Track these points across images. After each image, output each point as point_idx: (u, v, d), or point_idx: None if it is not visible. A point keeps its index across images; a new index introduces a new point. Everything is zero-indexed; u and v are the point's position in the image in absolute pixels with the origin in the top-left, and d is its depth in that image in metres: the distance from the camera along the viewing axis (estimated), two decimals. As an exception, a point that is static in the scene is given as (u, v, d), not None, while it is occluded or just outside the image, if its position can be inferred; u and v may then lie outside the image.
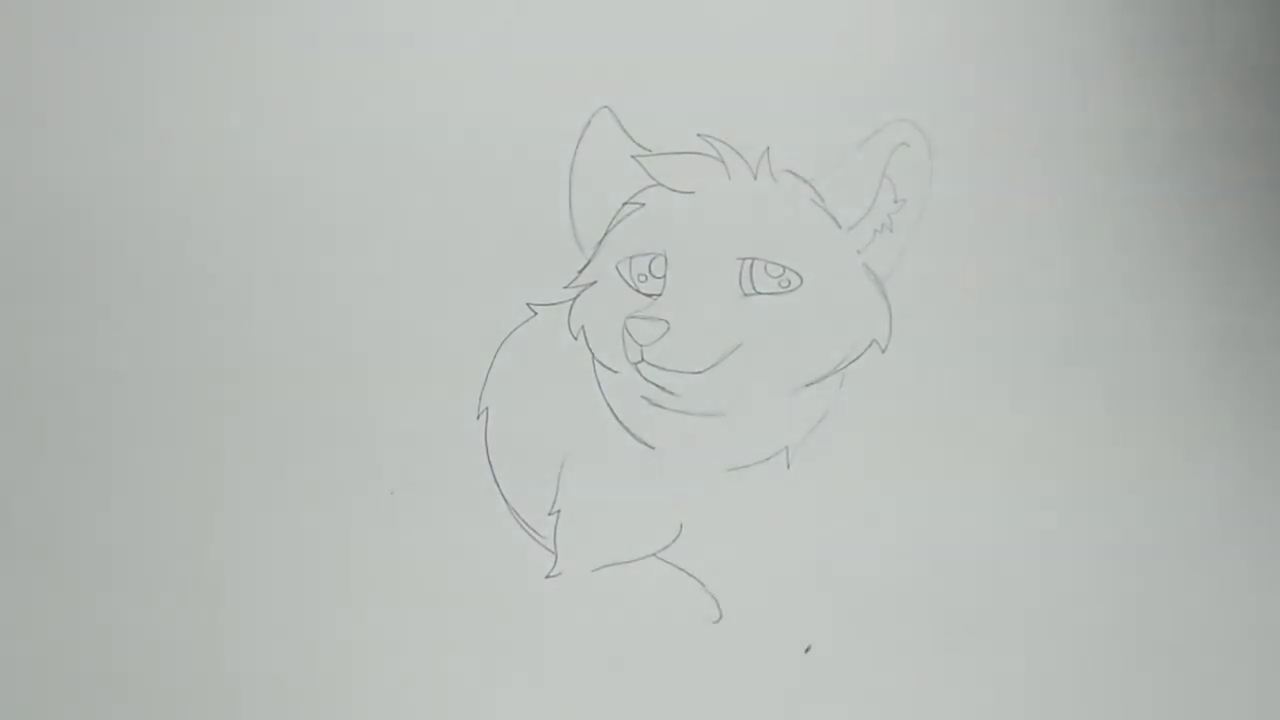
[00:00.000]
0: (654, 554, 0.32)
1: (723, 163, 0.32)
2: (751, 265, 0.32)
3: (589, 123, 0.32)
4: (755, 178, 0.32)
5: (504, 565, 0.32)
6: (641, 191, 0.32)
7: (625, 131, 0.32)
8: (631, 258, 0.32)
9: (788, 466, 0.32)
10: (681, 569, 0.32)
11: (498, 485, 0.32)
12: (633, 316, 0.32)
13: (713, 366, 0.32)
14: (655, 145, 0.32)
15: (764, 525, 0.32)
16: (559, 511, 0.32)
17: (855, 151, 0.33)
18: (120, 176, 0.32)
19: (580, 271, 0.32)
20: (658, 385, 0.32)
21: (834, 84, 0.33)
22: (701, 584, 0.32)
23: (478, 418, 0.32)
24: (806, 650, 0.32)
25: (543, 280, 0.32)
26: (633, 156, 0.32)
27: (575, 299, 0.32)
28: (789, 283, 0.32)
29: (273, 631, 0.32)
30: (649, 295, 0.32)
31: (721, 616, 0.32)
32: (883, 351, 0.33)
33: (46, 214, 0.32)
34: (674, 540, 0.32)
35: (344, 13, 0.32)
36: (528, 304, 0.32)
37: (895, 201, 0.33)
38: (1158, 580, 0.32)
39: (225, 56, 0.32)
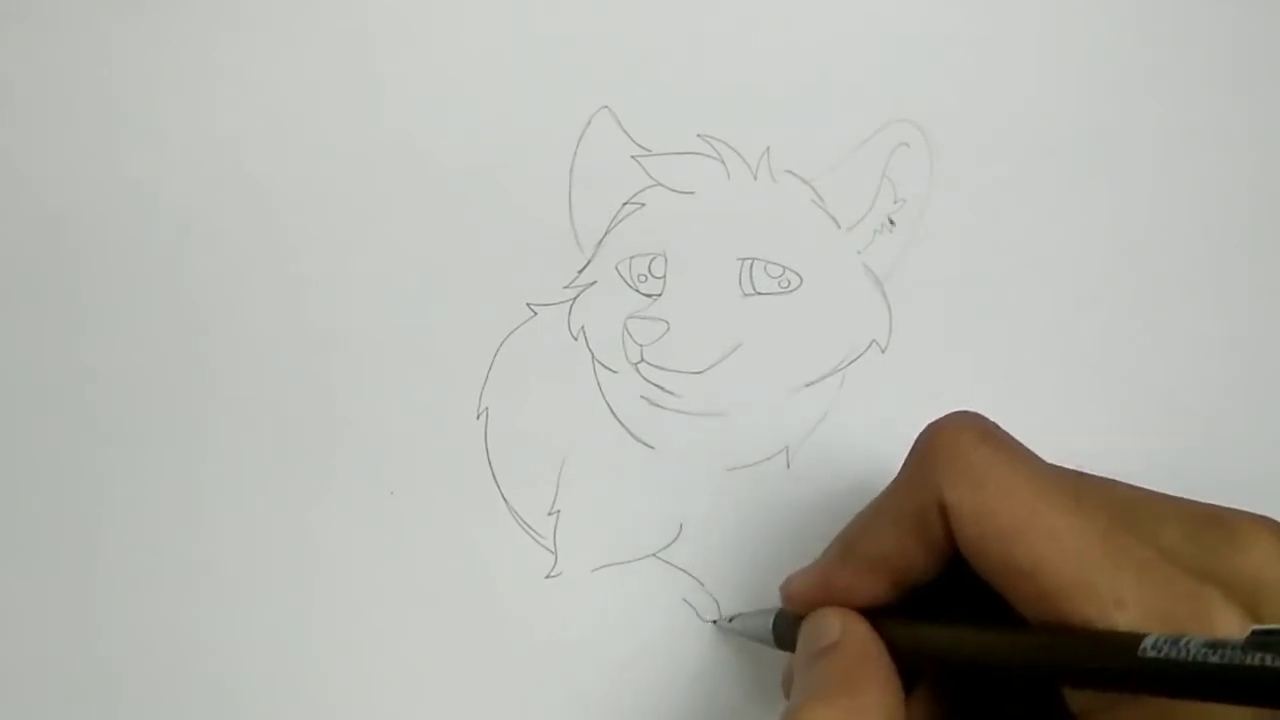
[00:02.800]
0: (654, 554, 0.32)
1: (723, 163, 0.32)
2: (751, 265, 0.32)
3: (589, 123, 0.32)
4: (755, 178, 0.32)
5: (504, 565, 0.32)
6: (641, 191, 0.32)
7: (625, 131, 0.32)
8: (631, 258, 0.32)
9: (788, 466, 0.32)
10: (681, 569, 0.32)
11: (498, 485, 0.32)
12: (633, 316, 0.32)
13: (713, 366, 0.32)
14: (655, 145, 0.32)
15: (764, 525, 0.32)
16: (559, 511, 0.32)
17: (855, 151, 0.33)
18: (120, 177, 0.32)
19: (580, 271, 0.32)
20: (658, 385, 0.32)
21: (834, 84, 0.33)
22: (701, 584, 0.32)
23: (478, 418, 0.32)
24: None
25: (543, 280, 0.32)
26: (633, 156, 0.32)
27: (575, 299, 0.32)
28: (789, 283, 0.32)
29: (272, 631, 0.31)
30: (649, 295, 0.32)
31: (721, 616, 0.32)
32: (883, 351, 0.33)
33: (45, 216, 0.32)
34: (674, 540, 0.32)
35: (342, 13, 0.32)
36: (528, 304, 0.32)
37: (895, 201, 0.33)
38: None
39: (222, 60, 0.32)
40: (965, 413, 0.24)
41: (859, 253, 0.33)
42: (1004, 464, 0.23)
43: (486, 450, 0.32)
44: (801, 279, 0.32)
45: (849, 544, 0.26)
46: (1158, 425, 0.33)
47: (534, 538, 0.32)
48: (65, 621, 0.31)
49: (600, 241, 0.32)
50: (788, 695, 0.28)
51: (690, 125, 0.32)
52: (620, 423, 0.32)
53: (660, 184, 0.32)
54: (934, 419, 0.24)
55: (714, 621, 0.32)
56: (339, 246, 0.32)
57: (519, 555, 0.32)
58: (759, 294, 0.32)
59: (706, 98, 0.32)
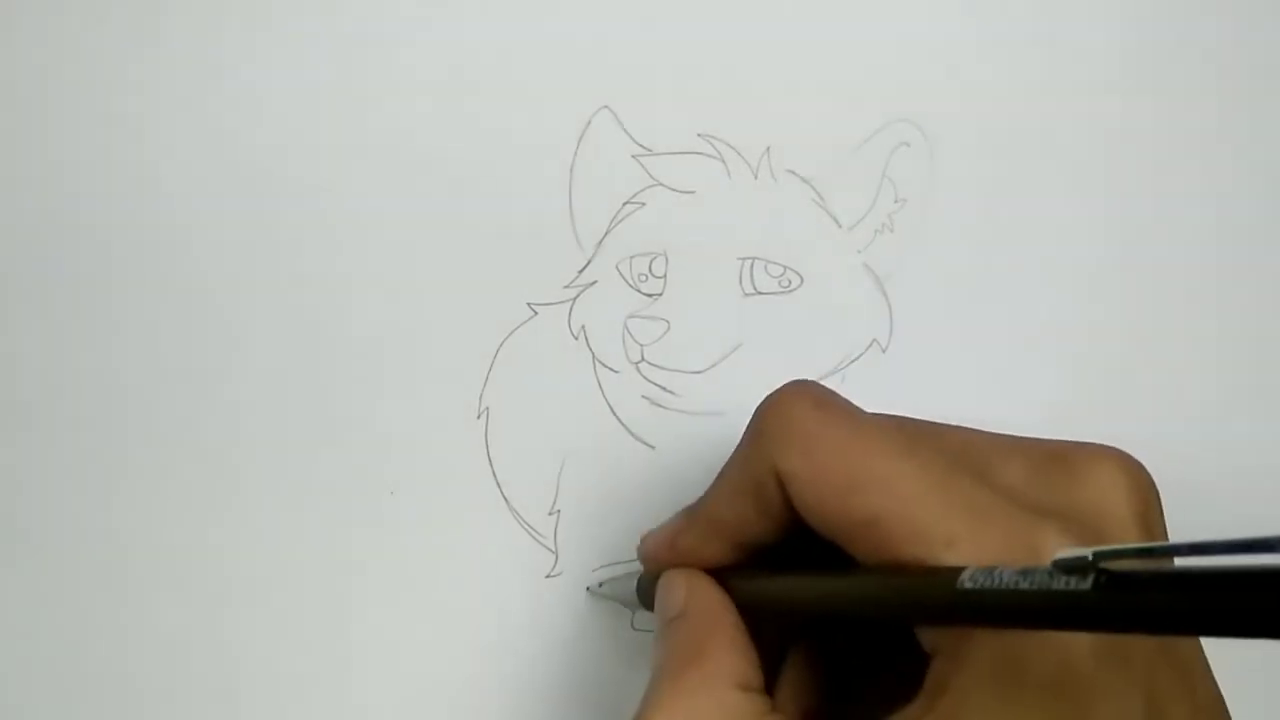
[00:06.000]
0: (654, 554, 0.32)
1: (723, 163, 0.32)
2: (751, 265, 0.32)
3: (589, 123, 0.32)
4: (755, 178, 0.32)
5: (504, 565, 0.32)
6: (641, 191, 0.32)
7: (625, 131, 0.32)
8: (631, 258, 0.32)
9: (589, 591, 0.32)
10: (682, 569, 0.32)
11: (498, 485, 0.32)
12: (633, 316, 0.32)
13: (713, 366, 0.32)
14: (655, 145, 0.32)
15: (764, 525, 0.32)
16: (559, 511, 0.32)
17: (855, 151, 0.33)
18: (120, 177, 0.32)
19: (580, 271, 0.32)
20: (658, 385, 0.32)
21: (834, 84, 0.33)
22: (702, 584, 0.32)
23: (478, 418, 0.32)
24: None
25: (543, 280, 0.32)
26: (633, 156, 0.32)
27: (575, 299, 0.32)
28: (789, 283, 0.32)
29: (271, 631, 0.31)
30: (649, 295, 0.32)
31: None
32: (883, 351, 0.33)
33: (46, 216, 0.32)
34: (674, 540, 0.32)
35: (342, 12, 0.32)
36: (528, 304, 0.32)
37: (895, 201, 0.33)
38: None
39: (223, 59, 0.32)
40: (799, 382, 0.25)
41: (859, 252, 0.33)
42: (834, 425, 0.23)
43: (486, 450, 0.32)
44: (802, 279, 0.32)
45: (694, 510, 0.27)
46: (1158, 424, 0.33)
47: (534, 538, 0.32)
48: (64, 622, 0.31)
49: (600, 241, 0.32)
50: None
51: (690, 125, 0.32)
52: (620, 423, 0.32)
53: (660, 184, 0.32)
54: (770, 392, 0.25)
55: (587, 589, 0.32)
56: (338, 246, 0.32)
57: (519, 555, 0.32)
58: (759, 294, 0.32)
59: (706, 98, 0.32)
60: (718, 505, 0.26)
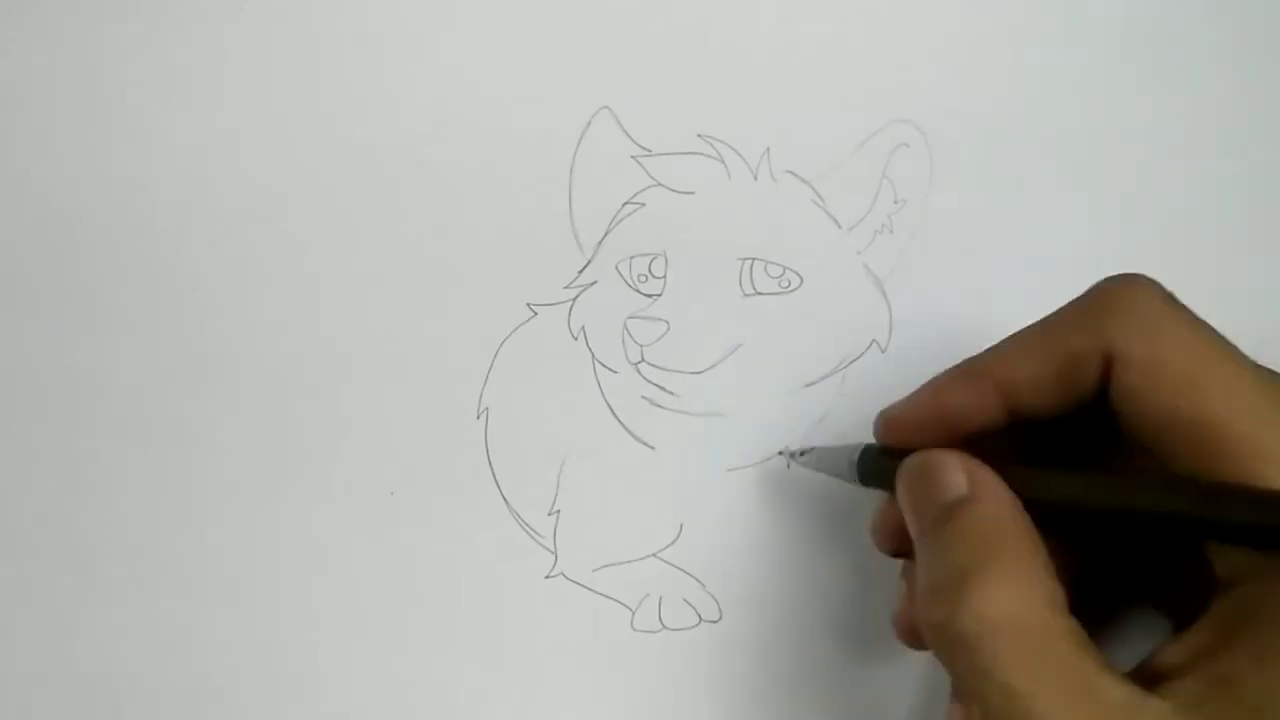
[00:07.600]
0: (654, 554, 0.32)
1: (723, 163, 0.32)
2: (751, 265, 0.32)
3: (589, 123, 0.32)
4: (755, 178, 0.32)
5: (504, 565, 0.32)
6: (641, 192, 0.32)
7: (625, 131, 0.32)
8: (631, 258, 0.32)
9: (788, 466, 0.32)
10: (681, 569, 0.32)
11: (498, 485, 0.32)
12: (633, 316, 0.32)
13: (713, 366, 0.32)
14: (655, 145, 0.32)
15: (764, 525, 0.32)
16: (559, 511, 0.32)
17: (855, 152, 0.33)
18: (122, 178, 0.32)
19: (580, 271, 0.32)
20: (658, 385, 0.32)
21: (834, 84, 0.33)
22: (701, 584, 0.32)
23: (478, 418, 0.32)
24: None
25: (543, 280, 0.32)
26: (633, 157, 0.32)
27: (575, 299, 0.32)
28: (789, 283, 0.32)
29: (271, 631, 0.32)
30: (649, 295, 0.32)
31: (721, 616, 0.32)
32: (883, 351, 0.33)
33: (45, 215, 0.32)
34: (674, 540, 0.32)
35: (342, 13, 0.32)
36: (528, 304, 0.32)
37: (895, 202, 0.33)
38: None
39: (224, 58, 0.32)
40: (1144, 275, 0.24)
41: (859, 253, 0.33)
42: (1180, 321, 0.23)
43: (486, 450, 0.32)
44: (801, 279, 0.32)
45: (972, 365, 0.25)
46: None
47: (534, 538, 0.32)
48: (64, 622, 0.31)
49: (600, 241, 0.32)
50: (881, 543, 0.28)
51: (690, 125, 0.32)
52: (620, 423, 0.32)
53: (660, 184, 0.32)
54: (1111, 275, 0.24)
55: (783, 454, 0.31)
56: (339, 247, 0.32)
57: (519, 555, 0.32)
58: (759, 294, 0.32)
59: (706, 98, 0.32)
60: (1010, 364, 0.24)
